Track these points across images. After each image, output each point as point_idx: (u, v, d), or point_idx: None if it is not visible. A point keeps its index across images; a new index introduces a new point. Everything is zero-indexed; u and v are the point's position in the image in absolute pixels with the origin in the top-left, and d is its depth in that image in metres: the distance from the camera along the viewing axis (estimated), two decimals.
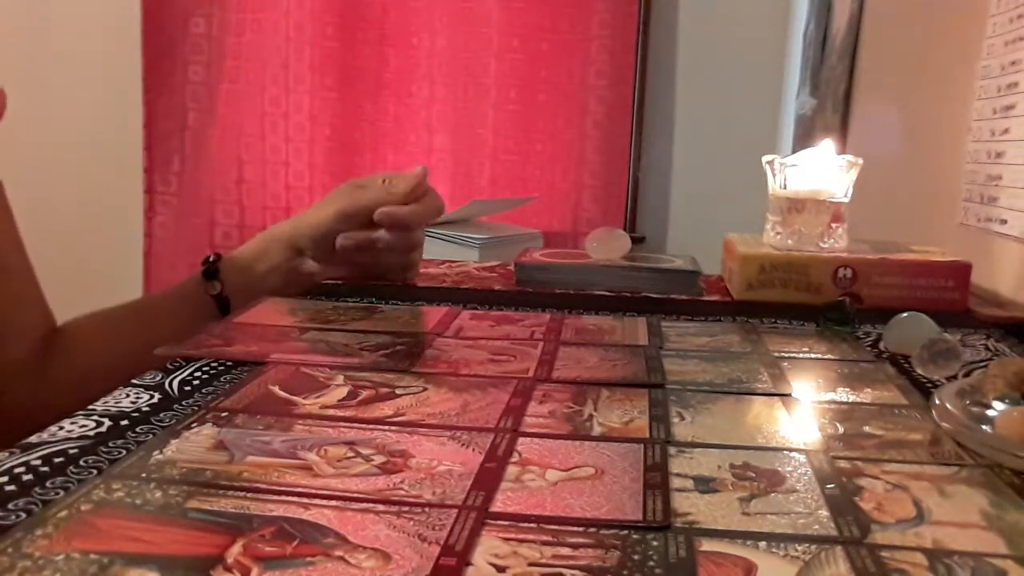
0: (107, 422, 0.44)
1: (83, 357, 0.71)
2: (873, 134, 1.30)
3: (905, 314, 0.64)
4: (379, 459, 0.41)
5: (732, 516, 0.36)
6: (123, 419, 0.45)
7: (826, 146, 0.81)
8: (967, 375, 0.57)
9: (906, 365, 0.60)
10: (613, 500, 0.37)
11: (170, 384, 0.51)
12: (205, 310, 0.74)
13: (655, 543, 0.33)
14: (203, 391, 0.50)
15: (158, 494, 0.36)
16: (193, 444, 0.42)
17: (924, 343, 0.58)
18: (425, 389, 0.51)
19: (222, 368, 0.55)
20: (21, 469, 0.38)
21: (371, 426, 0.45)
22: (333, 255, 0.80)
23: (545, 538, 0.34)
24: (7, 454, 0.40)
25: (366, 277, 0.82)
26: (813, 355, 0.63)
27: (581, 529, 0.34)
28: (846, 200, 0.81)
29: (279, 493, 0.37)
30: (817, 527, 0.35)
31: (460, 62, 1.86)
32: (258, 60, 1.87)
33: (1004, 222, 0.91)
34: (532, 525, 0.35)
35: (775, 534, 0.34)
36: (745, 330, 0.69)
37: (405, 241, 0.80)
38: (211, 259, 0.77)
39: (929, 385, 0.56)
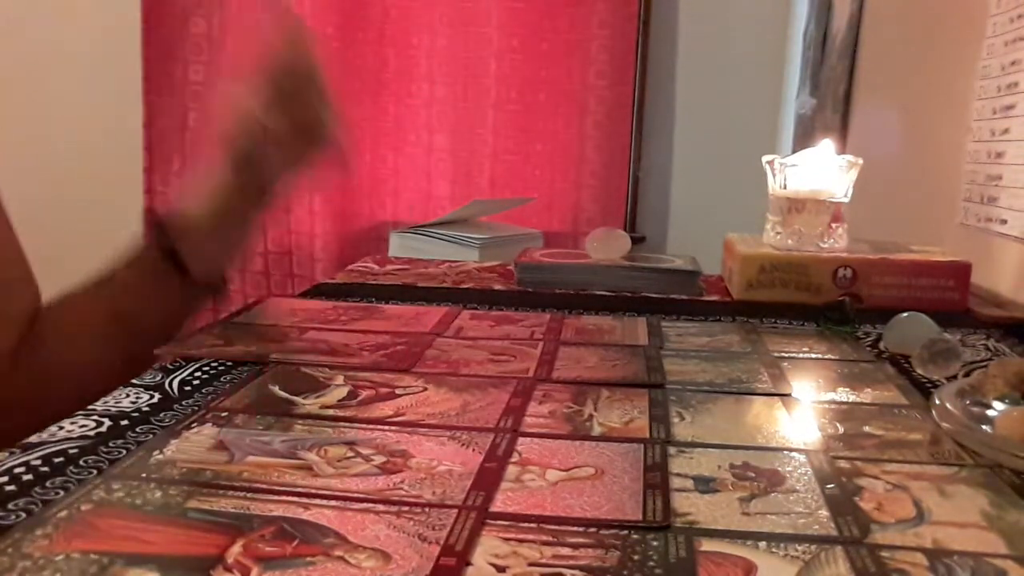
0: (107, 422, 0.44)
1: (58, 345, 0.70)
2: (873, 134, 1.30)
3: (905, 314, 0.64)
4: (379, 459, 0.41)
5: (732, 516, 0.36)
6: (123, 419, 0.45)
7: (826, 146, 0.81)
8: (967, 375, 0.57)
9: (906, 365, 0.60)
10: (613, 500, 0.37)
11: (170, 384, 0.51)
12: (164, 272, 0.71)
13: (655, 543, 0.33)
14: (203, 391, 0.50)
15: (158, 494, 0.36)
16: (193, 444, 0.42)
17: (924, 343, 0.58)
18: (425, 389, 0.51)
19: (222, 368, 0.55)
20: (21, 469, 0.38)
21: (371, 426, 0.45)
22: (266, 164, 0.74)
23: (545, 538, 0.34)
24: (7, 454, 0.40)
25: (303, 151, 0.73)
26: (813, 355, 0.63)
27: (581, 529, 0.34)
28: (846, 200, 0.81)
29: (279, 493, 0.37)
30: (817, 527, 0.35)
31: (460, 62, 1.86)
32: None
33: (1004, 222, 0.91)
34: (532, 525, 0.35)
35: (775, 534, 0.34)
36: (745, 330, 0.69)
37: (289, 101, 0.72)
38: (158, 223, 0.73)
39: (929, 385, 0.56)
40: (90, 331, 0.71)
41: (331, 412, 0.47)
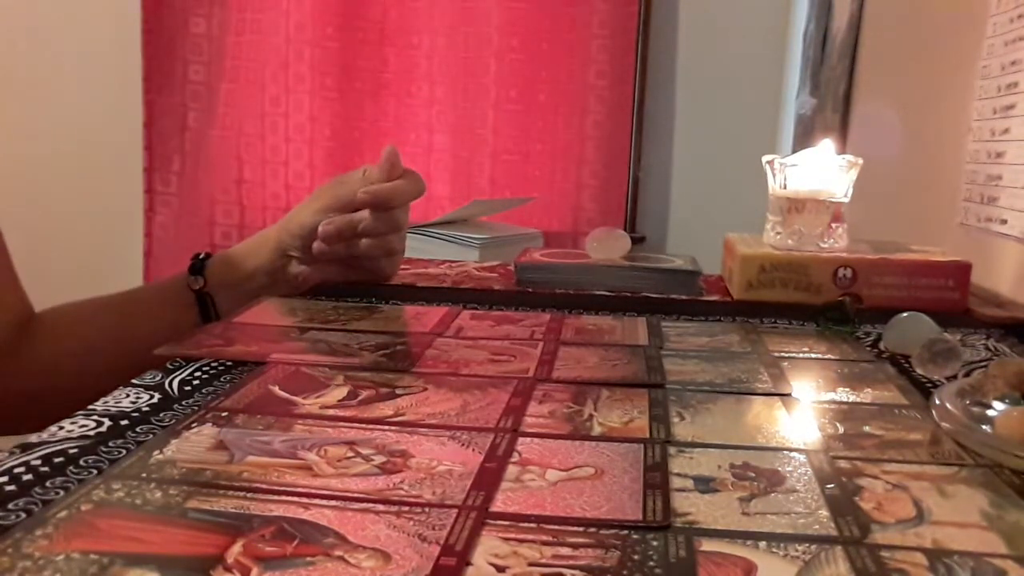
0: (107, 422, 0.44)
1: (56, 343, 0.71)
2: (873, 134, 1.30)
3: (905, 314, 0.64)
4: (379, 459, 0.41)
5: (732, 516, 0.36)
6: (123, 419, 0.45)
7: (825, 146, 0.81)
8: (967, 375, 0.57)
9: (906, 365, 0.60)
10: (613, 500, 0.37)
11: (170, 384, 0.51)
12: (186, 305, 0.74)
13: (655, 543, 0.33)
14: (203, 391, 0.50)
15: (158, 494, 0.36)
16: (193, 444, 0.42)
17: (924, 343, 0.58)
18: (425, 389, 0.51)
19: (222, 368, 0.55)
20: (21, 469, 0.38)
21: (371, 426, 0.45)
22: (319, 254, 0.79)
23: (545, 538, 0.34)
24: (7, 454, 0.40)
25: (349, 274, 0.80)
26: (813, 355, 0.63)
27: (581, 529, 0.34)
28: (846, 200, 0.81)
29: (279, 493, 0.37)
30: (817, 527, 0.35)
31: (460, 62, 1.86)
32: (258, 60, 1.87)
33: (1004, 222, 0.91)
34: (532, 525, 0.35)
35: (775, 534, 0.34)
36: (745, 330, 0.69)
37: (387, 222, 0.77)
38: (200, 256, 0.76)
39: (929, 385, 0.56)
40: (94, 344, 0.71)
41: (331, 412, 0.47)
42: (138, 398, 0.48)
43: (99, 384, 0.49)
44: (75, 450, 0.41)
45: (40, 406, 0.47)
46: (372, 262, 0.80)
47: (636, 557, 0.32)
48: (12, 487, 0.36)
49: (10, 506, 0.35)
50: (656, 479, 0.39)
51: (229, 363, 0.56)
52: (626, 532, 0.34)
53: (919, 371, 0.58)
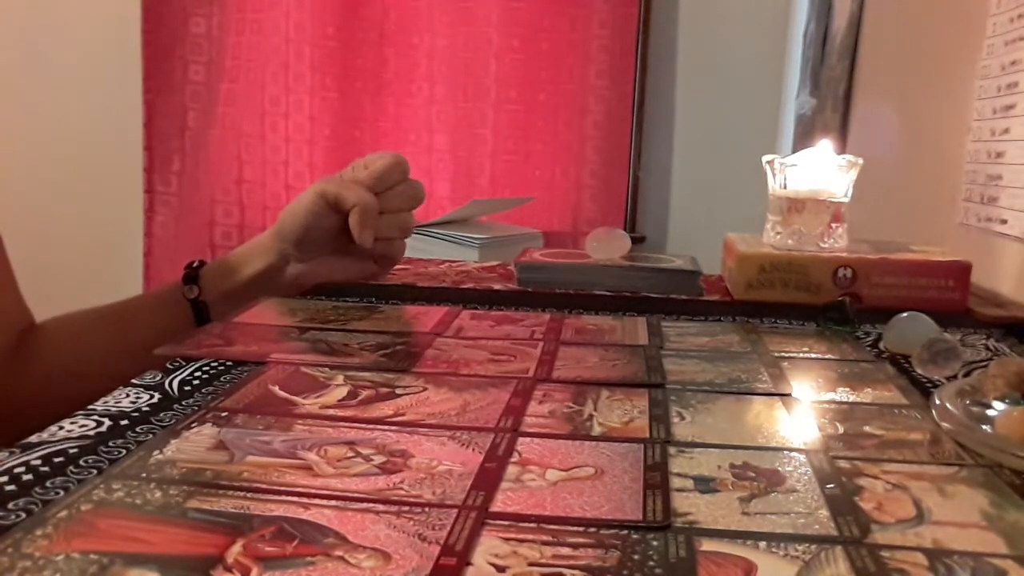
0: (107, 422, 0.45)
1: (55, 353, 0.70)
2: (873, 134, 1.30)
3: (905, 314, 0.64)
4: (379, 459, 0.41)
5: (732, 516, 0.36)
6: (123, 419, 0.45)
7: (823, 146, 0.81)
8: (967, 375, 0.57)
9: (906, 365, 0.60)
10: (613, 500, 0.37)
11: (170, 384, 0.51)
12: (182, 314, 0.74)
13: (655, 543, 0.33)
14: (203, 391, 0.50)
15: (158, 494, 0.36)
16: (193, 444, 0.42)
17: (924, 343, 0.58)
18: (425, 389, 0.51)
19: (222, 368, 0.55)
20: (21, 469, 0.38)
21: (371, 426, 0.45)
22: (317, 248, 0.77)
23: (545, 538, 0.34)
24: (7, 454, 0.40)
25: (349, 270, 0.79)
26: (813, 355, 0.63)
27: (581, 529, 0.34)
28: (846, 200, 0.81)
29: (279, 493, 0.37)
30: (817, 527, 0.35)
31: (460, 62, 1.86)
32: (258, 60, 1.87)
33: (1004, 222, 0.91)
34: (532, 525, 0.35)
35: (775, 534, 0.34)
36: (745, 330, 0.69)
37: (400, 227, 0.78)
38: (195, 264, 0.76)
39: (929, 385, 0.56)
40: (93, 354, 0.71)
41: (331, 412, 0.47)
42: (138, 398, 0.48)
43: (97, 394, 0.49)
44: (75, 450, 0.41)
45: (39, 416, 0.47)
46: (383, 244, 0.78)
47: (636, 557, 0.32)
48: (12, 487, 0.36)
49: (10, 506, 0.35)
50: (656, 479, 0.39)
51: (229, 363, 0.56)
52: (626, 532, 0.34)
53: (919, 371, 0.58)
